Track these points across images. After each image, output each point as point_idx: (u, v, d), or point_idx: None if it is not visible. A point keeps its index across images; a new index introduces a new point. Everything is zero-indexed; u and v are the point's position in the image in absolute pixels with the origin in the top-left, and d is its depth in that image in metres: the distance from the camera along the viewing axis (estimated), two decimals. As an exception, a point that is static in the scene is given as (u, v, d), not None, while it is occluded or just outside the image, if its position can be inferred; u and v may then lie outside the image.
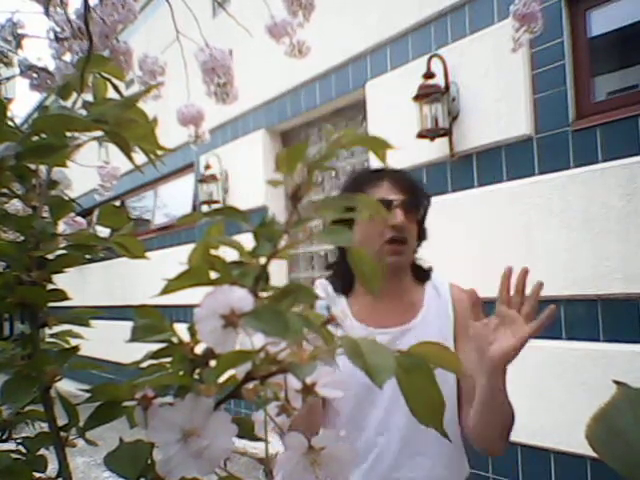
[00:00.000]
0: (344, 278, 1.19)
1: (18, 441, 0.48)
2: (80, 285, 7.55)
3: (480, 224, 3.07)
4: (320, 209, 0.34)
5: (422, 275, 1.23)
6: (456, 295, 1.21)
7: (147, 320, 0.36)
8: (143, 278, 5.72)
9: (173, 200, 6.55)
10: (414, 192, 1.17)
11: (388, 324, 1.15)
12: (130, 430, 0.39)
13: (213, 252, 0.35)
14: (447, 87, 3.21)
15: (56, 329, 0.50)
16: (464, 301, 1.13)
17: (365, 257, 0.36)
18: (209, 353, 0.33)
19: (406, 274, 1.21)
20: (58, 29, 0.82)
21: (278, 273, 4.68)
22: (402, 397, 0.32)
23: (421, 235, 1.22)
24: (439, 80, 3.23)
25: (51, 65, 0.83)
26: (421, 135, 3.22)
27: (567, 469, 2.74)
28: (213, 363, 0.33)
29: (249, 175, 4.96)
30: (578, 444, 2.54)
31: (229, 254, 0.36)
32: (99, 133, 0.43)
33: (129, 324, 0.36)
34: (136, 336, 0.36)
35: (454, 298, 1.21)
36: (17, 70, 0.84)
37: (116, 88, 0.58)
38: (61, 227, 0.50)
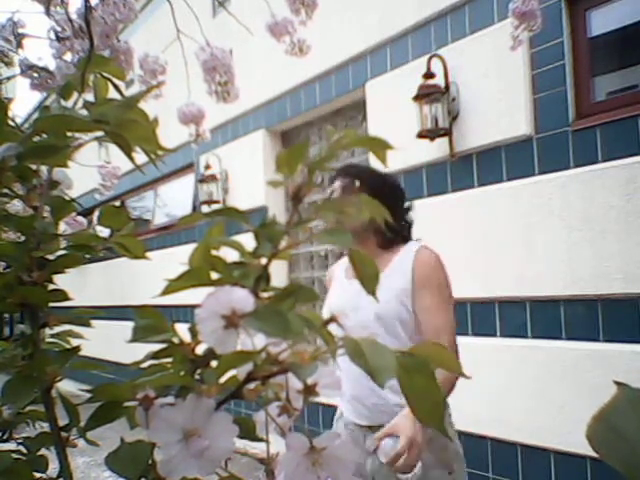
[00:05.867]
0: None
1: (19, 441, 0.48)
2: (80, 285, 7.55)
3: (480, 224, 3.07)
4: (321, 210, 0.34)
5: (385, 243, 1.59)
6: (419, 257, 1.53)
7: (148, 320, 0.36)
8: (143, 278, 5.72)
9: (173, 200, 6.54)
10: (352, 174, 1.61)
11: None
12: (131, 430, 0.38)
13: (214, 252, 0.35)
14: (447, 87, 3.20)
15: (57, 329, 0.50)
16: (424, 262, 1.52)
17: (365, 258, 0.36)
18: (210, 353, 0.33)
19: (365, 243, 1.57)
20: (59, 28, 0.82)
21: (278, 273, 4.68)
22: None
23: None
24: (439, 80, 3.23)
25: (52, 65, 0.83)
26: (421, 135, 3.22)
27: (567, 469, 2.74)
28: (214, 364, 0.33)
29: (249, 175, 4.96)
30: (578, 444, 2.54)
31: (230, 254, 0.36)
32: (100, 133, 0.43)
33: (129, 324, 0.36)
34: (137, 336, 0.36)
35: (416, 259, 1.53)
36: (18, 70, 0.84)
37: (117, 88, 0.58)
38: (62, 227, 0.50)
